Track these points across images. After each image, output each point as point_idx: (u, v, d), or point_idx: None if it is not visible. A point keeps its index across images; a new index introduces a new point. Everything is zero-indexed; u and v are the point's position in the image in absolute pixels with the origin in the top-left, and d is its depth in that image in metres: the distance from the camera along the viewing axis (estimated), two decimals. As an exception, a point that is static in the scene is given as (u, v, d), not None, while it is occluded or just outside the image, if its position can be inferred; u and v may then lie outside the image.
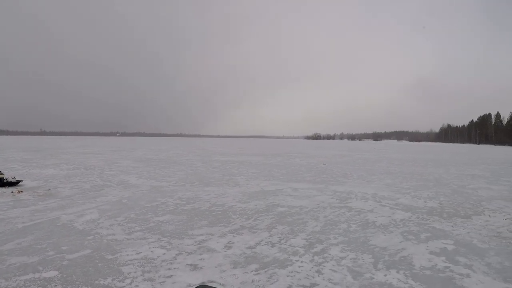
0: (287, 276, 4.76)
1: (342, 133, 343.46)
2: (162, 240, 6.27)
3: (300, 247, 5.99)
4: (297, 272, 4.89)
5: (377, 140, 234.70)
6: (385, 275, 4.86)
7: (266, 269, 4.98)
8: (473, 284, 4.65)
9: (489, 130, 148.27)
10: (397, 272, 4.99)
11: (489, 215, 8.78)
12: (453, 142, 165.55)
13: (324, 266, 5.15)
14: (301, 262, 5.30)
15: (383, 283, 4.60)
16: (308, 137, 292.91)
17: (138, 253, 5.57)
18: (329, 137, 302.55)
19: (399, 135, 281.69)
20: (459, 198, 11.25)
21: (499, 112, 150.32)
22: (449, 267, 5.24)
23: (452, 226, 7.63)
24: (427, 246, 6.18)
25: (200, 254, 5.57)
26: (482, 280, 4.78)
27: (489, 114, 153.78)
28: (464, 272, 5.06)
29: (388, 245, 6.19)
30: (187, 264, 5.14)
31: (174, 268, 4.98)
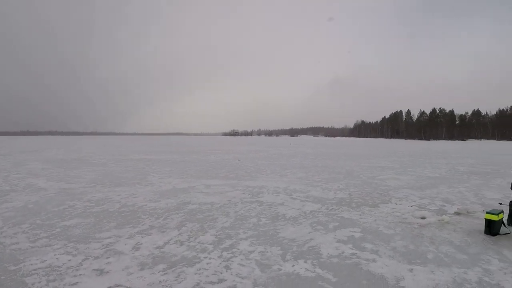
0: (195, 274, 4.68)
1: (260, 129, 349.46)
2: (68, 246, 5.87)
3: (209, 244, 5.91)
4: (205, 269, 4.83)
5: (294, 136, 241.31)
6: (293, 266, 4.93)
7: (174, 269, 4.85)
8: (379, 268, 4.88)
9: (400, 126, 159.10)
10: (305, 262, 5.08)
11: (396, 203, 9.32)
12: (367, 137, 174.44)
13: (232, 261, 5.12)
14: (210, 258, 5.23)
15: (290, 274, 4.66)
16: (225, 134, 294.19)
17: (42, 262, 5.17)
18: (246, 134, 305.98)
19: (315, 131, 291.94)
20: (368, 188, 11.83)
21: (409, 109, 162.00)
22: (356, 253, 5.44)
23: (360, 215, 7.97)
24: (335, 235, 6.38)
25: (107, 258, 5.30)
26: (388, 264, 5.03)
27: (400, 111, 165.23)
28: (370, 257, 5.28)
29: (297, 237, 6.30)
30: (93, 270, 4.87)
31: (80, 275, 4.70)
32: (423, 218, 7.69)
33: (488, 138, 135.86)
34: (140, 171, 17.08)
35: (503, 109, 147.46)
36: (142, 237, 6.36)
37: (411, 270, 4.82)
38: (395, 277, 4.59)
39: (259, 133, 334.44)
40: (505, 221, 6.87)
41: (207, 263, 5.04)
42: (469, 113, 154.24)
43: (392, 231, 6.66)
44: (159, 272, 4.77)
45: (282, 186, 12.14)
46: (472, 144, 79.63)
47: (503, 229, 6.66)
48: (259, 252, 5.49)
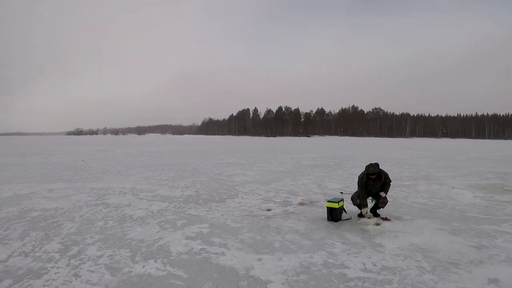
0: (43, 286, 4.40)
1: (106, 127, 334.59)
2: None
3: (56, 252, 5.57)
4: (54, 280, 4.56)
5: (141, 134, 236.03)
6: (143, 266, 4.93)
7: (20, 283, 4.47)
8: (228, 260, 5.13)
9: (247, 123, 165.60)
10: (155, 261, 5.11)
11: (242, 198, 9.83)
12: (215, 135, 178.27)
13: (81, 268, 4.92)
14: (57, 268, 4.94)
15: (141, 275, 4.66)
16: (70, 133, 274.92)
17: None
18: (92, 132, 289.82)
19: (163, 129, 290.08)
20: (215, 184, 12.24)
21: (257, 107, 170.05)
22: (205, 248, 5.64)
23: (208, 211, 8.23)
24: (183, 232, 6.51)
25: None
26: (237, 256, 5.32)
27: (248, 109, 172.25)
28: (219, 251, 5.53)
29: (145, 237, 6.28)
30: None
31: None
32: (269, 210, 8.25)
33: (331, 134, 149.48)
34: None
35: (345, 108, 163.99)
36: (-19, 253, 5.77)
37: (259, 260, 5.15)
38: (244, 268, 4.86)
39: (105, 131, 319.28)
40: (345, 208, 7.63)
41: (55, 273, 4.77)
42: (314, 111, 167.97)
43: (239, 224, 7.03)
44: (5, 288, 4.40)
45: (129, 186, 11.91)
46: (316, 140, 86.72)
47: (344, 215, 7.46)
48: (108, 256, 5.36)
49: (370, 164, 7.39)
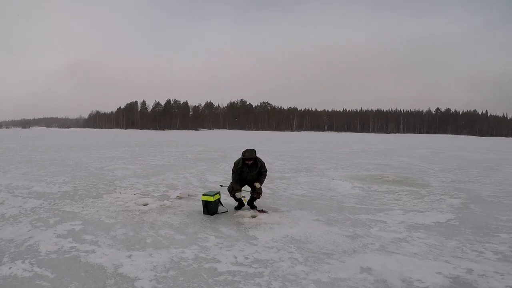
0: None
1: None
2: None
3: None
4: None
5: (25, 127, 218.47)
6: (10, 268, 4.59)
7: None
8: (98, 258, 4.94)
9: (135, 116, 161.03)
10: (23, 262, 4.77)
11: (120, 192, 9.50)
12: (102, 128, 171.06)
13: None
14: None
15: (7, 277, 4.35)
16: None
17: None
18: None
19: (49, 122, 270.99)
20: (94, 179, 11.70)
21: (145, 100, 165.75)
22: (75, 246, 5.38)
23: (83, 207, 7.85)
24: (55, 231, 6.14)
25: None
26: (107, 253, 5.12)
27: (136, 102, 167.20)
28: (90, 248, 5.31)
29: (15, 236, 5.84)
30: None
31: None
32: (145, 204, 8.04)
33: (220, 128, 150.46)
34: None
35: (233, 102, 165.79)
36: None
37: (129, 256, 5.01)
38: (113, 265, 4.71)
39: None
40: (222, 201, 7.67)
41: None
42: (202, 105, 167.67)
43: (113, 220, 6.80)
44: None
45: (4, 183, 10.90)
46: (203, 133, 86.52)
47: (221, 208, 7.48)
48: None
49: (247, 150, 7.44)
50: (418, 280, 4.47)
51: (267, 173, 7.89)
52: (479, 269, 4.86)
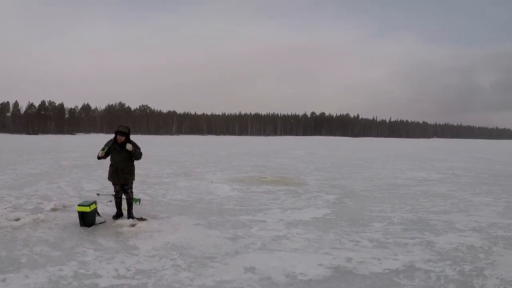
0: None
1: None
2: None
3: None
4: None
5: None
6: None
7: None
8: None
9: (6, 119, 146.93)
10: None
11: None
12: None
13: None
14: None
15: None
16: None
17: None
18: None
19: None
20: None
21: (18, 101, 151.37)
22: None
23: None
24: None
25: None
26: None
27: (8, 102, 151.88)
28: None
29: None
30: None
31: None
32: (17, 219, 7.16)
33: (97, 132, 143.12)
34: None
35: (111, 104, 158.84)
36: None
37: (4, 280, 4.44)
38: (-18, 292, 4.17)
39: None
40: (99, 211, 7.22)
41: None
42: (79, 107, 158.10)
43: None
44: None
45: None
46: (80, 138, 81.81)
47: (98, 219, 7.04)
48: None
49: (122, 125, 7.25)
50: (301, 273, 4.68)
51: (142, 155, 7.47)
52: (357, 257, 5.25)
